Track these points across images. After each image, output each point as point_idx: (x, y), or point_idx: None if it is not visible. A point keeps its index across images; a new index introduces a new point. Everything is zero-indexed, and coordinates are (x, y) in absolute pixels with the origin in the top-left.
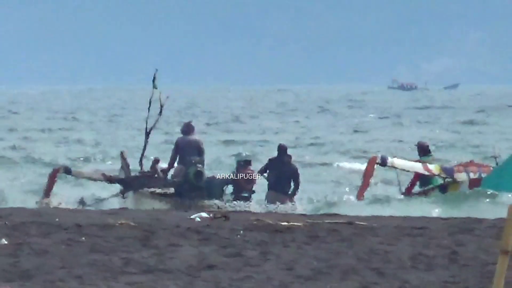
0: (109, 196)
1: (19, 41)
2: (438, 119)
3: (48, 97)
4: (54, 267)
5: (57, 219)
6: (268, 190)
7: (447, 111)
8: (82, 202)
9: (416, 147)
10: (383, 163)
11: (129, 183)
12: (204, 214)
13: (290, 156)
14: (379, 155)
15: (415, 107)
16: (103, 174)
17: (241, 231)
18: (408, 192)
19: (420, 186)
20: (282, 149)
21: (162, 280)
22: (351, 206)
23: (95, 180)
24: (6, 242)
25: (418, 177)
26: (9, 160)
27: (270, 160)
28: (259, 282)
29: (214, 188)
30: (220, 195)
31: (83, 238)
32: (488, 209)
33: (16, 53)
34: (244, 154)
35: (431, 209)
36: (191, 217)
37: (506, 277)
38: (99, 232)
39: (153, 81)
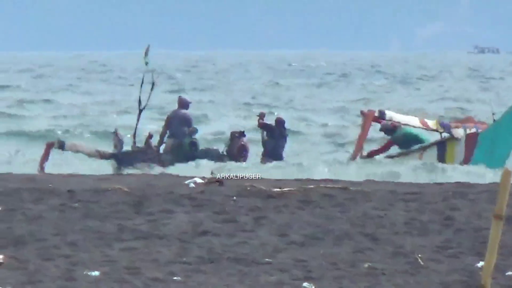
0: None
1: None
2: None
3: None
4: (48, 234)
5: (50, 185)
6: (263, 156)
7: None
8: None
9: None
10: (382, 116)
11: (122, 158)
12: (198, 180)
13: (286, 129)
14: (377, 109)
15: None
16: (97, 150)
17: (235, 197)
18: (372, 154)
19: (408, 147)
20: (280, 122)
21: (156, 246)
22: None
23: (88, 155)
24: None
25: (386, 148)
26: None
27: (270, 128)
28: (252, 248)
29: (208, 159)
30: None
31: (77, 204)
32: (481, 173)
33: None
34: None
35: (425, 174)
36: (185, 182)
37: (500, 242)
38: (92, 198)
39: (145, 57)
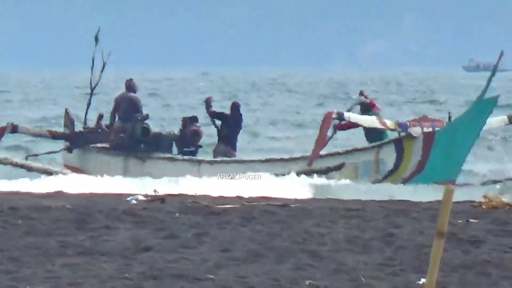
0: (54, 150)
1: None
2: None
3: None
4: None
5: None
6: (218, 142)
7: None
8: (28, 154)
9: (359, 105)
10: (340, 117)
11: (74, 138)
12: (140, 197)
13: (241, 114)
14: (335, 110)
15: None
16: (49, 131)
17: (177, 214)
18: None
19: (371, 141)
20: (235, 106)
21: (98, 262)
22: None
23: (41, 136)
24: None
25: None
26: None
27: (224, 116)
28: (194, 264)
29: (161, 143)
30: (167, 150)
31: (19, 221)
32: (423, 192)
33: None
34: None
35: (367, 191)
36: (127, 199)
37: (441, 259)
38: (35, 214)
39: (96, 38)
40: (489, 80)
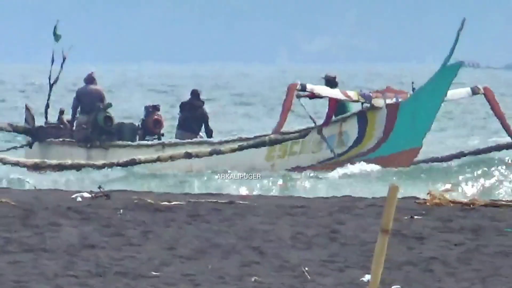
0: (15, 146)
1: None
2: None
3: None
4: None
5: None
6: (177, 129)
7: None
8: None
9: (324, 79)
10: (303, 89)
11: (35, 133)
12: (85, 194)
13: (202, 102)
14: (299, 82)
15: None
16: (9, 124)
17: (122, 211)
18: (325, 125)
19: (336, 115)
20: (194, 93)
21: (43, 259)
22: None
23: (1, 129)
24: None
25: (333, 110)
26: None
27: (182, 103)
28: (140, 262)
29: (124, 132)
30: (131, 139)
31: None
32: (367, 187)
33: None
34: None
35: (312, 187)
36: (72, 196)
37: (386, 255)
38: None
39: (54, 33)
40: (454, 46)
